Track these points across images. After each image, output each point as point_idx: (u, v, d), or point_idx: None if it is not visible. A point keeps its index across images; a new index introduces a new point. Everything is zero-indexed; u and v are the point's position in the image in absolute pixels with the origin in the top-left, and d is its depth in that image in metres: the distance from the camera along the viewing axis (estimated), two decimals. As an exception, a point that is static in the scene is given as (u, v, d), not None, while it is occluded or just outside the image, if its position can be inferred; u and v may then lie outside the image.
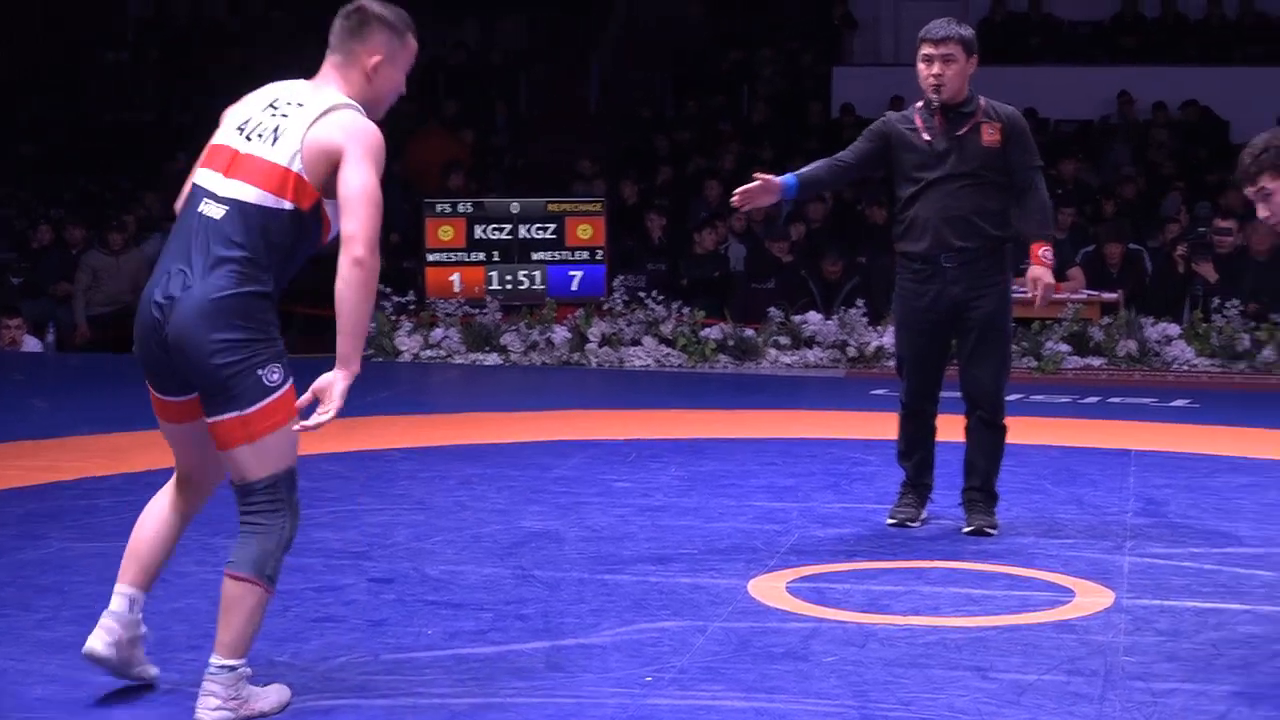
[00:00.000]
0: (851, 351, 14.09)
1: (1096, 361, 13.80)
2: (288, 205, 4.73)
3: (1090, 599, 6.25)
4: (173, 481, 5.04)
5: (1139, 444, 10.03)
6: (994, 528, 7.42)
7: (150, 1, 25.00)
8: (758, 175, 7.39)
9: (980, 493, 7.53)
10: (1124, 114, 20.69)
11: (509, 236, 15.24)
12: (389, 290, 14.62)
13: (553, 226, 15.37)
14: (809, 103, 21.53)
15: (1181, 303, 14.96)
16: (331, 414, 4.65)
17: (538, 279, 15.28)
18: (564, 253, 15.36)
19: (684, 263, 16.26)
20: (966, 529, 7.44)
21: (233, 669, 4.73)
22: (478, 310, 14.84)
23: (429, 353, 14.49)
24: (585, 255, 15.40)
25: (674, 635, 5.69)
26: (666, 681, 5.18)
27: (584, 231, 15.38)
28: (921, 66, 7.45)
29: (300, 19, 19.87)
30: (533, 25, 23.38)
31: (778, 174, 7.45)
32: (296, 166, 4.74)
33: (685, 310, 14.65)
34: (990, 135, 7.41)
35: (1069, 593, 6.35)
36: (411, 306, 14.91)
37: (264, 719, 4.81)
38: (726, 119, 21.32)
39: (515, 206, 15.40)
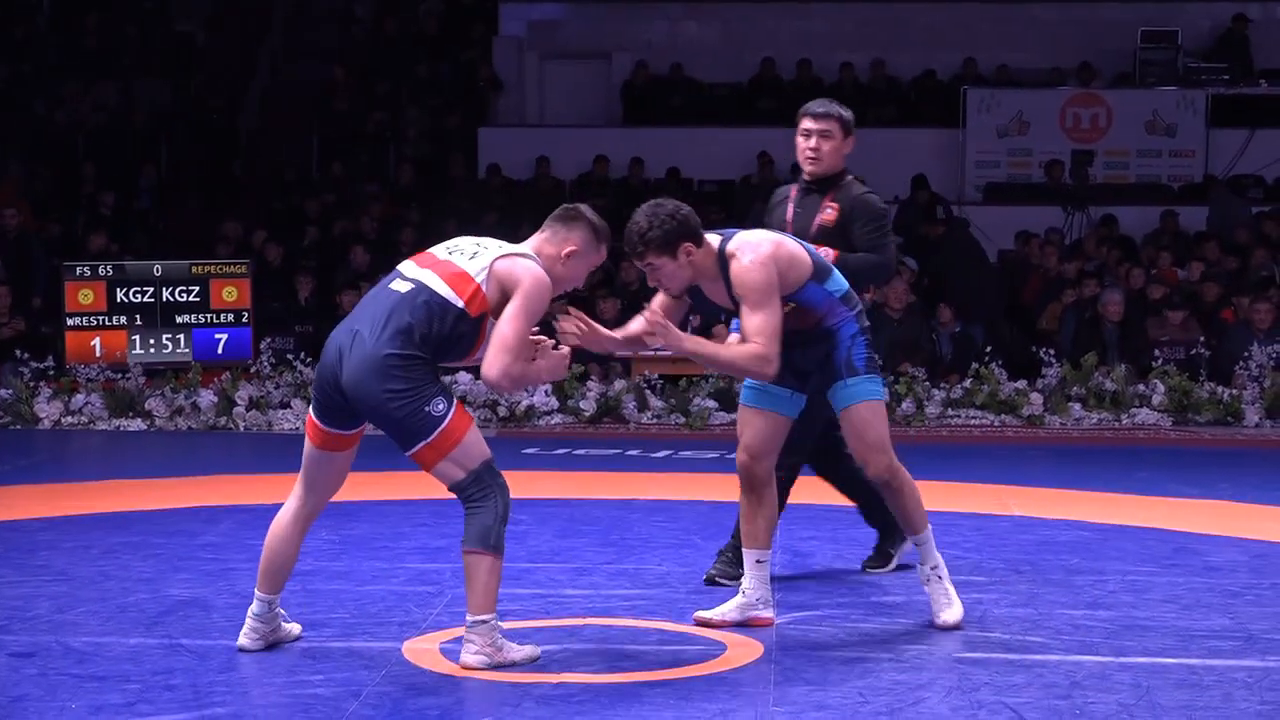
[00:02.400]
0: (503, 411, 14.13)
1: (742, 417, 14.02)
2: (460, 304, 5.88)
3: (741, 651, 6.35)
4: (294, 498, 6.18)
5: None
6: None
7: None
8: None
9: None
10: (764, 174, 21.13)
11: (151, 300, 14.97)
12: (27, 356, 14.24)
13: (197, 289, 15.14)
14: (455, 163, 21.55)
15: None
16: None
17: (182, 342, 15.04)
18: (209, 315, 15.13)
19: (331, 325, 16.08)
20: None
21: (484, 622, 5.91)
22: (120, 375, 14.53)
23: (70, 419, 14.15)
24: (231, 318, 15.20)
25: (327, 701, 5.62)
26: (320, 748, 5.13)
27: (229, 294, 15.18)
28: (800, 139, 7.61)
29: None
30: (176, 88, 23.01)
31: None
32: (480, 279, 5.91)
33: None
34: (827, 214, 7.51)
35: (720, 645, 6.44)
36: (51, 372, 14.52)
37: (515, 666, 5.94)
38: (373, 180, 21.23)
39: (158, 269, 15.14)
